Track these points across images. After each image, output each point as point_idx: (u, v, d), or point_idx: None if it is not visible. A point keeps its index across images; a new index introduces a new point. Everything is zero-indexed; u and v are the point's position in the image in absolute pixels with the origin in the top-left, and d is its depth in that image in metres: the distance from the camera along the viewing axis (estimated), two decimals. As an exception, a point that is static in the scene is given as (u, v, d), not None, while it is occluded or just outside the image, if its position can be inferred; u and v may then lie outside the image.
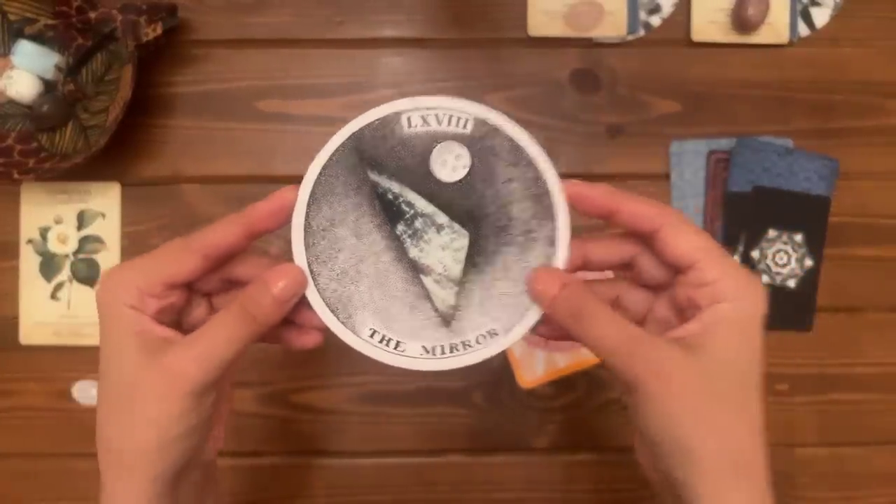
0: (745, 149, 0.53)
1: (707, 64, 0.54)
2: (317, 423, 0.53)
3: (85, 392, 0.53)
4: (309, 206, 0.31)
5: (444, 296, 0.31)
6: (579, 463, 0.54)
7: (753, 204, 0.53)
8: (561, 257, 0.31)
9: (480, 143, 0.31)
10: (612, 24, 0.54)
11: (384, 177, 0.31)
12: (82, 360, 0.53)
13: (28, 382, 0.53)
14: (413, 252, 0.31)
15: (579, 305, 0.29)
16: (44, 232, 0.53)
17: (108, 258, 0.53)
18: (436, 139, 0.31)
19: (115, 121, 0.48)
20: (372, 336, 0.31)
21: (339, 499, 0.53)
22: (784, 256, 0.54)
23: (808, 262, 0.54)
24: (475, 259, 0.31)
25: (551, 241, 0.31)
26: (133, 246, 0.53)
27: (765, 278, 0.54)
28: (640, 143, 0.54)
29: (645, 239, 0.31)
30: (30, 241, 0.53)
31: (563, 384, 0.53)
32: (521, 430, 0.54)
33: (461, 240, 0.31)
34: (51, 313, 0.53)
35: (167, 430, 0.29)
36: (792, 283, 0.54)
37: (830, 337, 0.54)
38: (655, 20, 0.54)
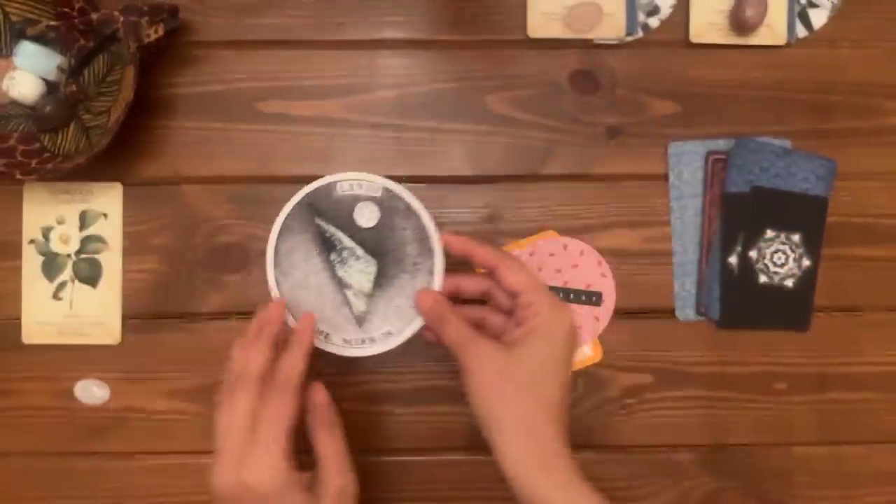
0: (744, 149, 0.53)
1: (705, 65, 0.55)
2: (317, 422, 0.53)
3: (87, 391, 0.53)
4: (278, 238, 0.45)
5: (358, 305, 0.45)
6: (578, 462, 0.54)
7: (751, 204, 0.54)
8: (437, 283, 0.45)
9: (386, 203, 0.46)
10: (610, 25, 0.54)
11: (324, 221, 0.45)
12: (84, 359, 0.53)
13: (30, 382, 0.53)
14: (340, 273, 0.45)
15: (442, 314, 0.43)
16: (46, 232, 0.54)
17: (110, 258, 0.54)
18: (358, 199, 0.46)
19: (117, 121, 0.48)
20: None
21: (339, 497, 0.53)
22: (782, 256, 0.54)
23: (806, 262, 0.54)
24: (380, 280, 0.45)
25: (431, 272, 0.45)
26: (134, 246, 0.54)
27: (763, 278, 0.54)
28: (639, 143, 0.54)
29: (492, 275, 0.44)
30: (32, 241, 0.54)
31: (563, 383, 0.53)
32: (520, 429, 0.54)
33: (372, 267, 0.45)
34: (53, 313, 0.53)
35: None
36: (790, 283, 0.54)
37: (828, 336, 0.55)
38: (654, 21, 0.55)
